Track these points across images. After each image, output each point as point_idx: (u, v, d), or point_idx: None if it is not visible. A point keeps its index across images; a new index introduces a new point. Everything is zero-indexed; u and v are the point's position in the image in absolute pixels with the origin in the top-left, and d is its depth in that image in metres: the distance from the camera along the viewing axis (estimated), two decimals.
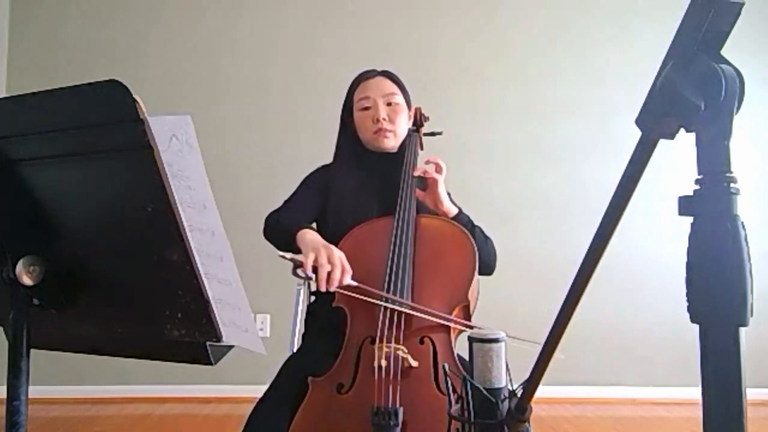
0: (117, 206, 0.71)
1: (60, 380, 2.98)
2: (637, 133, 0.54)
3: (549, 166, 3.24)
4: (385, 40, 3.26)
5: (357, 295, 1.23)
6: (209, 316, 0.67)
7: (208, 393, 3.05)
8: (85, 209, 0.74)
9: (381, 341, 1.17)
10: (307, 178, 1.58)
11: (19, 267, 0.71)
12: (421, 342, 1.21)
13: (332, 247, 1.24)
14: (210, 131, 3.07)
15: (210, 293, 0.67)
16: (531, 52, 3.31)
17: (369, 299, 1.22)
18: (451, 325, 1.23)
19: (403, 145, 1.54)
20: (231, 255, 0.69)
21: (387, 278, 1.27)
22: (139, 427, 2.65)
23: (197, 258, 0.66)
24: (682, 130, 0.52)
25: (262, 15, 3.29)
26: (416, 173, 1.45)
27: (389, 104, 1.49)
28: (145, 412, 2.85)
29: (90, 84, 0.61)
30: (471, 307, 1.31)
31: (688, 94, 0.49)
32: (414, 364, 1.15)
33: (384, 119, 1.47)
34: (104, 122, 0.64)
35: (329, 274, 1.19)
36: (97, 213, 0.73)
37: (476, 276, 1.32)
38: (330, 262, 1.20)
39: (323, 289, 1.19)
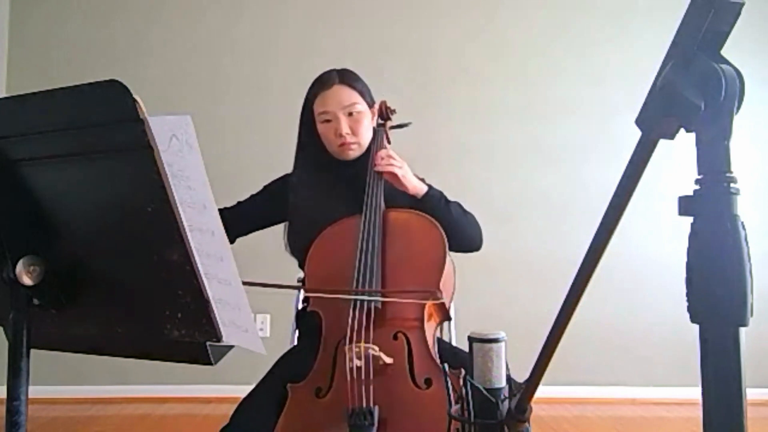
0: (117, 206, 0.71)
1: (60, 380, 2.98)
2: (637, 133, 0.54)
3: (549, 166, 3.24)
4: (385, 40, 3.26)
5: (325, 295, 1.24)
6: (209, 316, 0.67)
7: (208, 393, 3.05)
8: (85, 209, 0.74)
9: (351, 341, 1.17)
10: (266, 186, 1.59)
11: (19, 267, 0.71)
12: (395, 338, 1.21)
13: None
14: (210, 131, 3.06)
15: (210, 293, 0.67)
16: (531, 52, 3.30)
17: (337, 296, 1.23)
18: (424, 302, 1.22)
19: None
20: (231, 255, 0.69)
21: (356, 275, 1.26)
22: (139, 427, 2.65)
23: (197, 258, 0.66)
24: (682, 130, 0.52)
25: (262, 15, 3.29)
26: (377, 169, 1.42)
27: (350, 114, 1.45)
28: (145, 412, 2.85)
29: (90, 84, 0.61)
30: (447, 302, 1.30)
31: (688, 94, 0.49)
32: (388, 360, 1.15)
33: (347, 133, 1.44)
34: (104, 122, 0.64)
35: None
36: (97, 213, 0.73)
37: (451, 269, 1.31)
38: None
39: None
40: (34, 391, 0.88)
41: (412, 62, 3.12)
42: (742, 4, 0.48)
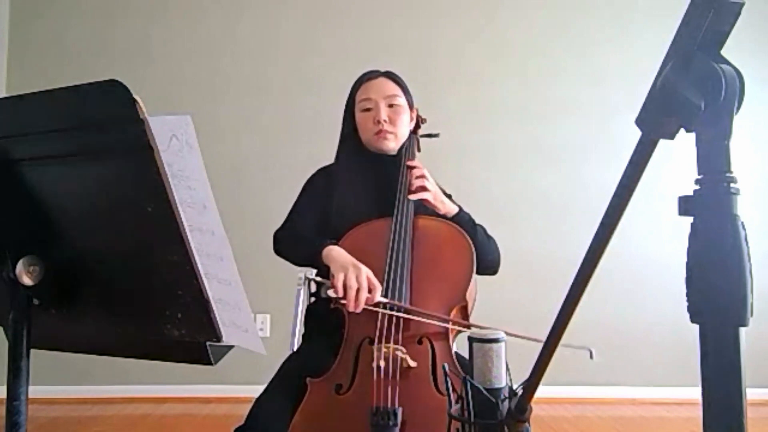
0: (117, 206, 0.71)
1: (60, 380, 2.98)
2: (637, 133, 0.54)
3: (549, 166, 3.24)
4: (385, 40, 3.26)
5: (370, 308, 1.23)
6: (209, 316, 0.67)
7: (208, 393, 3.05)
8: (86, 209, 0.74)
9: (380, 342, 1.18)
10: (307, 183, 1.58)
11: (19, 267, 0.71)
12: (420, 342, 1.21)
13: (360, 266, 1.25)
14: (210, 131, 3.06)
15: (210, 293, 0.67)
16: (531, 52, 3.30)
17: (369, 307, 1.23)
18: (449, 326, 1.23)
19: (402, 147, 1.54)
20: (231, 255, 0.69)
21: (386, 280, 1.27)
22: (139, 427, 2.65)
23: (197, 258, 0.66)
24: (682, 130, 0.52)
25: (262, 15, 3.29)
26: (412, 198, 1.42)
27: (391, 105, 1.49)
28: (145, 412, 2.85)
29: (90, 84, 0.61)
30: (469, 308, 1.31)
31: (688, 94, 0.49)
32: (412, 364, 1.16)
33: (385, 121, 1.46)
34: (104, 122, 0.63)
35: (358, 294, 1.20)
36: (97, 213, 0.73)
37: (474, 276, 1.31)
38: (358, 282, 1.21)
39: (351, 309, 1.20)
40: (34, 391, 0.88)
41: (412, 62, 3.12)
42: (742, 4, 0.48)
